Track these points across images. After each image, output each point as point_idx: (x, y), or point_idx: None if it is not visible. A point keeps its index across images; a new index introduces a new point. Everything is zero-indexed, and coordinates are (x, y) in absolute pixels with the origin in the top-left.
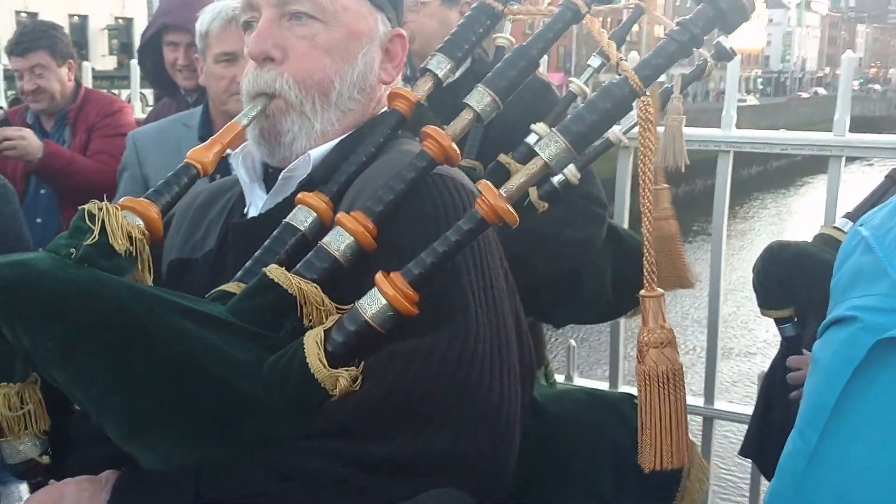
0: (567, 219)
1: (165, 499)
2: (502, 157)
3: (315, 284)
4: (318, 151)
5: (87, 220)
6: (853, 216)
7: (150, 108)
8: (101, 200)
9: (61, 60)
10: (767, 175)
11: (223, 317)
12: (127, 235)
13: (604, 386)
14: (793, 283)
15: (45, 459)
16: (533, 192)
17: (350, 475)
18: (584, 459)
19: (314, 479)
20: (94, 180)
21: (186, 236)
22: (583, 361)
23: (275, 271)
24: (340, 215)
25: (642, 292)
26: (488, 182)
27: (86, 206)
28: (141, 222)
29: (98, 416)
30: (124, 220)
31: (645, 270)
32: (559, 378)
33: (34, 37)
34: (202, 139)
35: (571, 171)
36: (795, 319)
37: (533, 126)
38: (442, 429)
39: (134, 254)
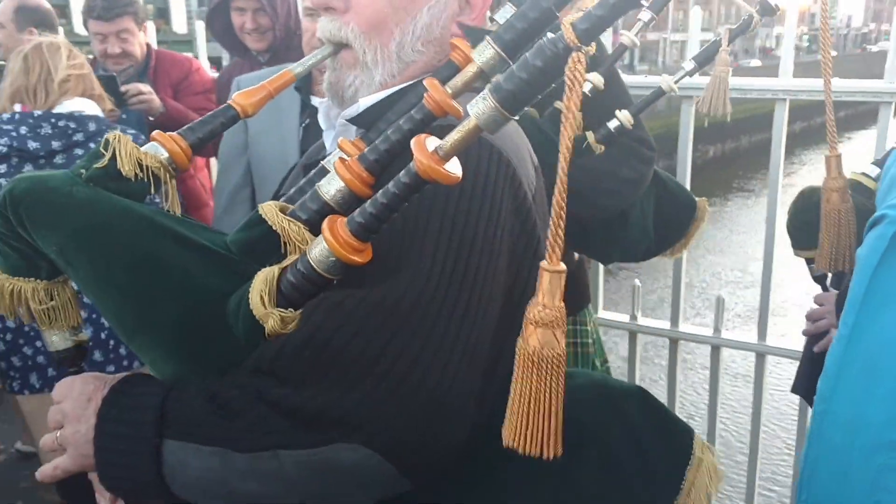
0: (622, 159)
1: (139, 409)
2: (558, 103)
3: (301, 224)
4: (368, 99)
5: (103, 148)
6: (881, 163)
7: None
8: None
9: (140, 25)
10: (811, 131)
11: (213, 246)
12: (136, 162)
13: (665, 325)
14: (818, 225)
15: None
16: (591, 136)
17: (268, 415)
18: (569, 458)
19: (240, 413)
20: None
21: None
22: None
23: (265, 207)
24: (338, 160)
25: (542, 264)
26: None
27: (106, 135)
28: (165, 154)
29: (104, 316)
30: (134, 148)
31: (547, 243)
32: (623, 317)
33: (122, 3)
34: (298, 90)
35: (626, 117)
36: None
37: (588, 75)
38: (353, 387)
39: (145, 179)
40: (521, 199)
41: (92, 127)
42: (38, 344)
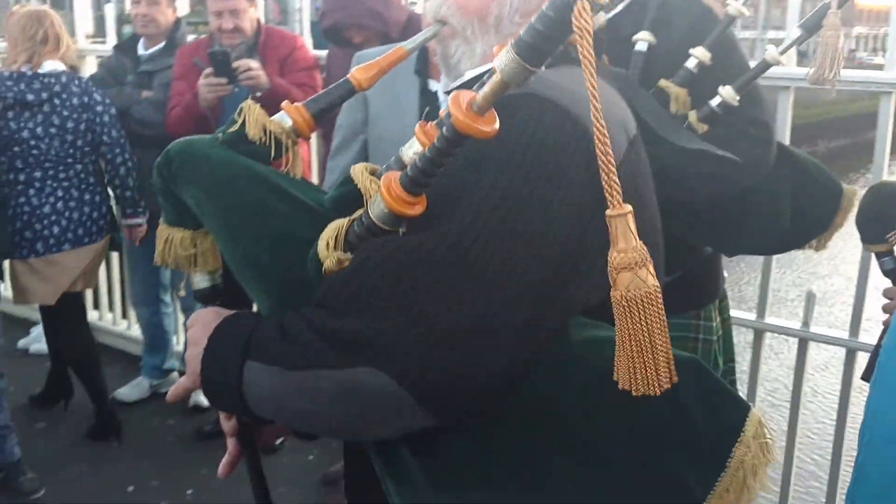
0: (726, 140)
1: (235, 335)
2: (662, 83)
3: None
4: (472, 71)
5: (237, 115)
6: None
7: None
8: None
9: (252, 2)
10: None
11: (311, 203)
12: (262, 128)
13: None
14: (888, 219)
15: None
16: (692, 115)
17: (313, 339)
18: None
19: (294, 338)
20: None
21: None
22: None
23: (355, 168)
24: (419, 125)
25: (607, 212)
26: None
27: (242, 104)
28: (290, 122)
29: (224, 257)
30: (262, 115)
31: (605, 186)
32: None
33: None
34: (418, 73)
35: (729, 93)
36: (894, 253)
37: (691, 50)
38: (382, 318)
39: (268, 143)
40: (595, 167)
41: (63, 79)
42: (48, 221)
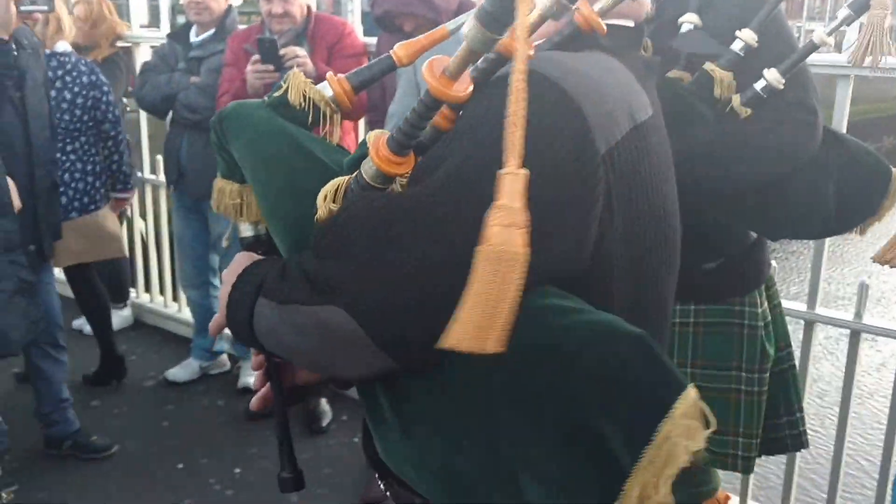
0: (771, 125)
1: (254, 276)
2: (707, 65)
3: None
4: None
5: (283, 81)
6: None
7: None
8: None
9: None
10: None
11: (331, 165)
12: (302, 94)
13: (802, 307)
14: None
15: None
16: (736, 99)
17: (299, 278)
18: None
19: (287, 276)
20: None
21: None
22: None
23: (371, 133)
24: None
25: (501, 170)
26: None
27: (288, 73)
28: (330, 92)
29: (259, 206)
30: (305, 83)
31: (507, 143)
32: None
33: None
34: None
35: (774, 76)
36: None
37: (737, 32)
38: (351, 261)
39: (307, 109)
40: (584, 144)
41: (73, 59)
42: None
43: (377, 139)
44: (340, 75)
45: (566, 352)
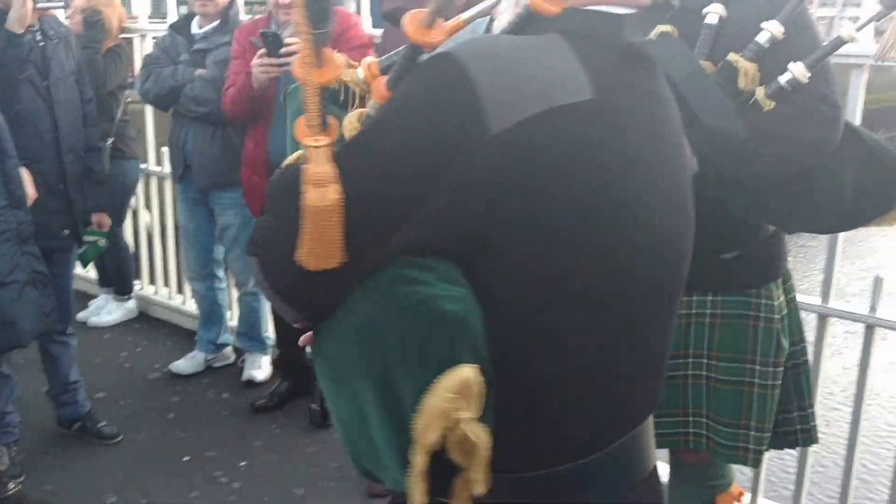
0: (795, 119)
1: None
2: (731, 56)
3: None
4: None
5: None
6: None
7: None
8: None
9: None
10: None
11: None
12: (337, 77)
13: (815, 300)
14: None
15: None
16: (760, 91)
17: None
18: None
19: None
20: None
21: None
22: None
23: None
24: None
25: (306, 140)
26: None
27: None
28: (361, 75)
29: None
30: (342, 61)
31: (306, 119)
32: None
33: None
34: None
35: (800, 70)
36: None
37: (763, 24)
38: (271, 217)
39: (338, 88)
40: (469, 121)
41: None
42: None
43: (379, 80)
44: (372, 60)
45: (392, 316)
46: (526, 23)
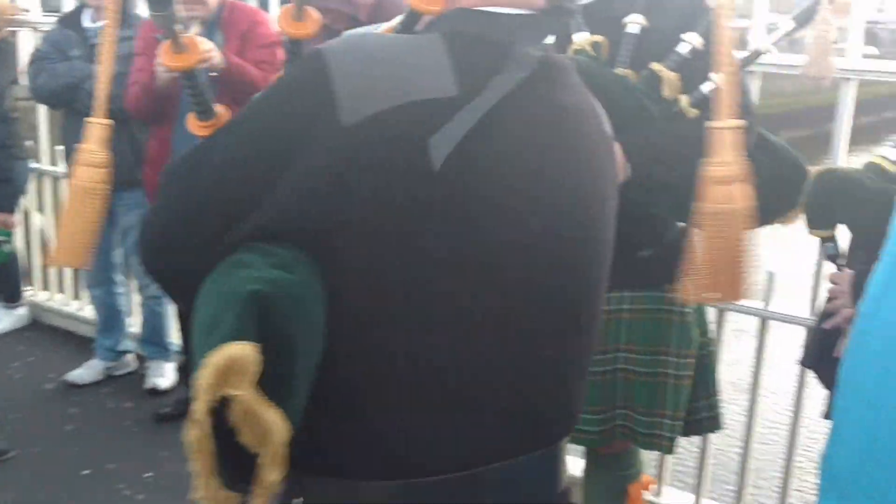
0: None
1: None
2: (654, 66)
3: None
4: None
5: None
6: None
7: None
8: None
9: None
10: (882, 125)
11: None
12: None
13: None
14: (835, 205)
15: None
16: (684, 100)
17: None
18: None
19: None
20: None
21: None
22: None
23: None
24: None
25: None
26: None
27: None
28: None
29: None
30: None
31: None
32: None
33: None
34: None
35: (722, 80)
36: (836, 239)
37: (683, 35)
38: (160, 193)
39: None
40: (321, 112)
41: None
42: None
43: None
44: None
45: (213, 298)
46: (412, 22)
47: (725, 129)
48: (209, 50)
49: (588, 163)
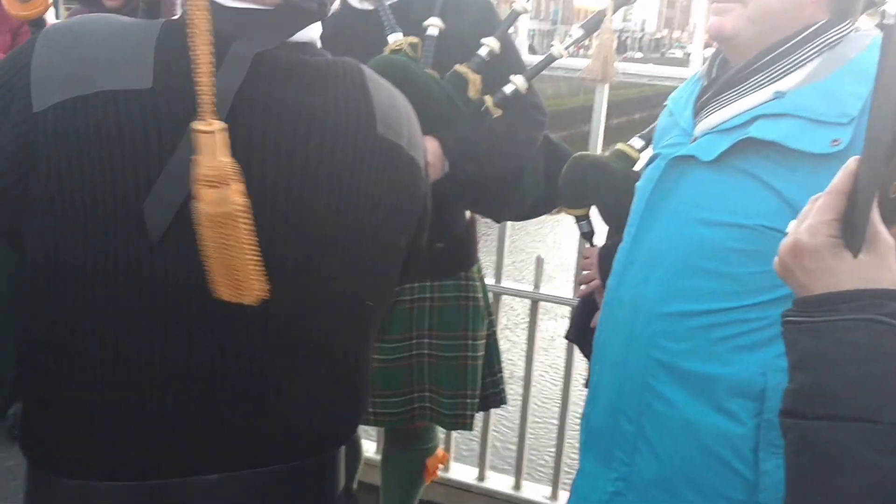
0: (517, 123)
1: None
2: (459, 67)
3: None
4: None
5: None
6: (646, 136)
7: None
8: None
9: None
10: (630, 126)
11: None
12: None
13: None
14: (585, 186)
15: None
16: (489, 100)
17: None
18: None
19: None
20: None
21: None
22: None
23: None
24: None
25: (195, 125)
26: None
27: None
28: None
29: None
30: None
31: (200, 104)
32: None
33: None
34: None
35: (521, 82)
36: (589, 218)
37: (484, 39)
38: None
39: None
40: (17, 97)
41: None
42: None
43: None
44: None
45: None
46: (157, 7)
47: (216, 132)
48: None
49: (339, 169)
